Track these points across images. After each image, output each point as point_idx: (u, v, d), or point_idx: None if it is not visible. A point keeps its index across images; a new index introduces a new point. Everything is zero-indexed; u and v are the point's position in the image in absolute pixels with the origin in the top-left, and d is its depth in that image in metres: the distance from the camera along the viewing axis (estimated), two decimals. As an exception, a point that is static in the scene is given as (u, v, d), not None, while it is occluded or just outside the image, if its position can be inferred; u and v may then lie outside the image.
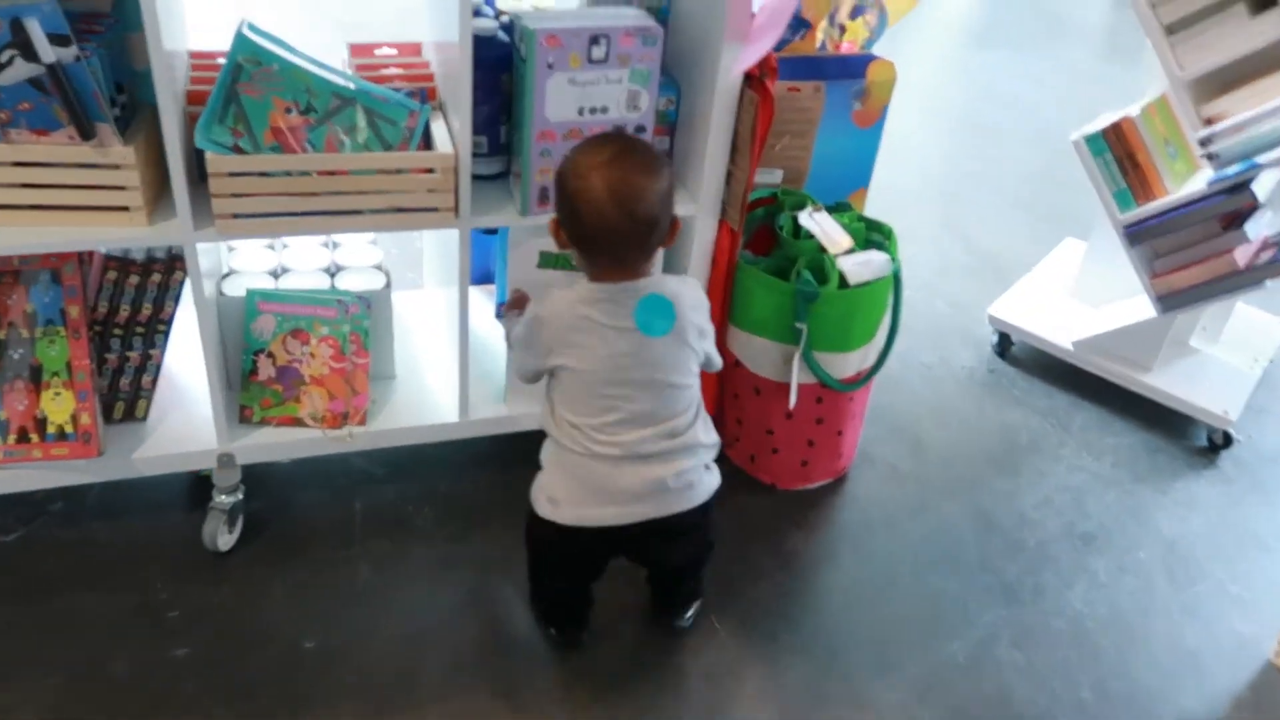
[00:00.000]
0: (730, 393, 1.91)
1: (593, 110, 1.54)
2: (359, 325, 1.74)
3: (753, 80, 1.57)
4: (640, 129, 1.59)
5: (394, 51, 1.74)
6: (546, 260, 1.67)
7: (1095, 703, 1.59)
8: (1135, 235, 2.09)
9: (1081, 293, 2.45)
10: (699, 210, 1.69)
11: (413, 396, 1.83)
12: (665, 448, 1.37)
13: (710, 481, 1.44)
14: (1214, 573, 1.87)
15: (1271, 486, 2.10)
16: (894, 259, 1.82)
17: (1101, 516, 1.98)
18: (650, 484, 1.36)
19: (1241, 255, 2.00)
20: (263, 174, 1.43)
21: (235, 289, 1.72)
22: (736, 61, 1.54)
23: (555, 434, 1.41)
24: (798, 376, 1.79)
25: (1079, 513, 1.99)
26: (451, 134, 1.56)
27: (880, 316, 1.82)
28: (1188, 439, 2.22)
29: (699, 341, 1.40)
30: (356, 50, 1.72)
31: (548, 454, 1.45)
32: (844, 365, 1.83)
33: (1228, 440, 2.18)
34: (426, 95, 1.61)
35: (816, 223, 1.83)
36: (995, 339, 2.44)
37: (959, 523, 1.93)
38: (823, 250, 1.82)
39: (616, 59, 1.50)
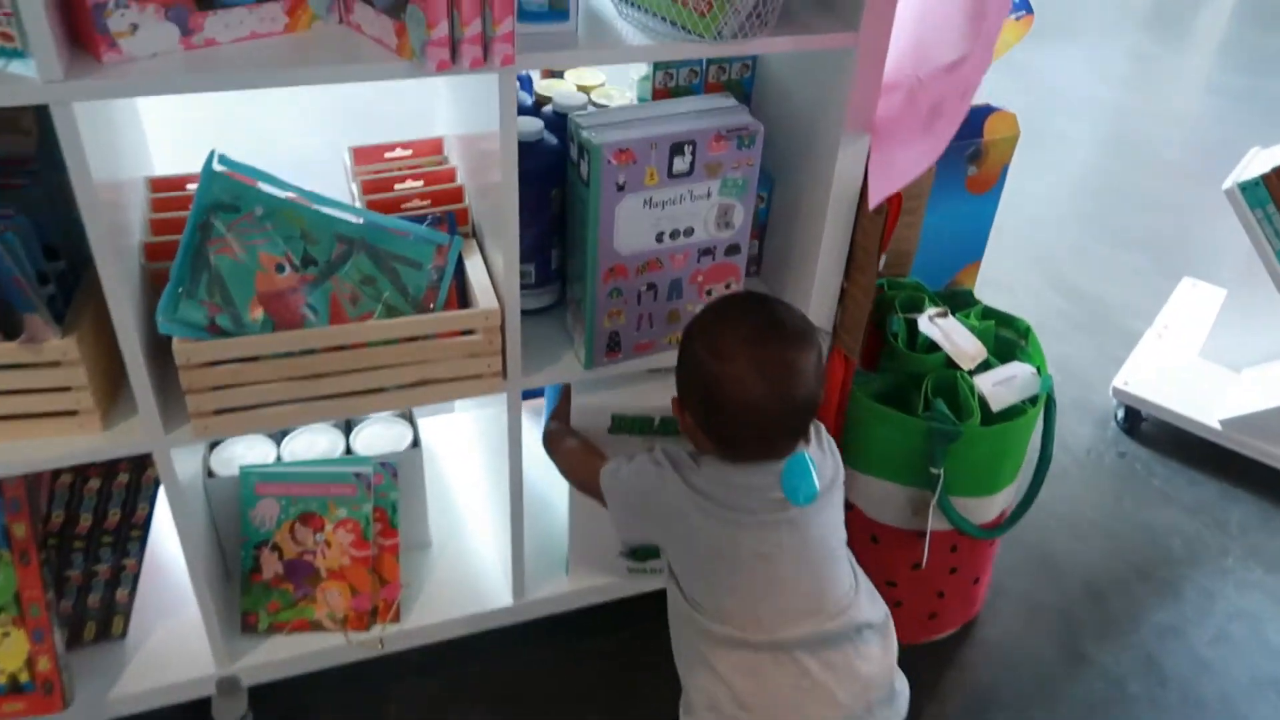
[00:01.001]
0: (839, 536, 1.56)
1: (674, 234, 1.18)
2: (385, 499, 1.39)
3: (877, 178, 1.21)
4: (734, 250, 1.24)
5: (409, 153, 1.38)
6: (622, 424, 1.31)
7: None
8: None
9: (1217, 353, 2.09)
10: (805, 336, 1.34)
11: (454, 573, 1.48)
12: (838, 629, 1.07)
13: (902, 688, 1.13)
14: None
15: None
16: (1041, 370, 1.46)
17: (1293, 653, 1.63)
18: (864, 686, 1.06)
19: None
20: (251, 359, 1.08)
21: (226, 466, 1.37)
22: (883, 176, 1.16)
23: (697, 621, 1.08)
24: (931, 526, 1.44)
25: (1264, 650, 1.64)
26: (492, 272, 1.20)
27: (1028, 444, 1.47)
28: (1369, 533, 1.87)
29: (839, 479, 1.14)
30: (362, 155, 1.36)
31: (690, 644, 1.11)
32: (987, 509, 1.48)
33: None
34: (455, 220, 1.25)
35: (940, 329, 1.47)
36: (1121, 413, 2.08)
37: (1123, 675, 1.58)
38: (950, 365, 1.46)
39: (704, 169, 1.15)
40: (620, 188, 1.11)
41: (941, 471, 1.38)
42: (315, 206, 1.14)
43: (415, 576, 1.46)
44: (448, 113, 1.36)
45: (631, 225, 1.15)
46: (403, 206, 1.27)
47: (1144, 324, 2.26)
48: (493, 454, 1.42)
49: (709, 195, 1.17)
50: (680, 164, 1.13)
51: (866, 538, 1.52)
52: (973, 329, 1.50)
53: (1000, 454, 1.42)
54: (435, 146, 1.39)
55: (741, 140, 1.14)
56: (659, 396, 1.29)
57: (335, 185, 1.32)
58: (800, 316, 1.04)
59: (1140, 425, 2.07)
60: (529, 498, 1.34)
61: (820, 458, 1.10)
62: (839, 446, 1.46)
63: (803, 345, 1.01)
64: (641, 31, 1.06)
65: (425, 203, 1.27)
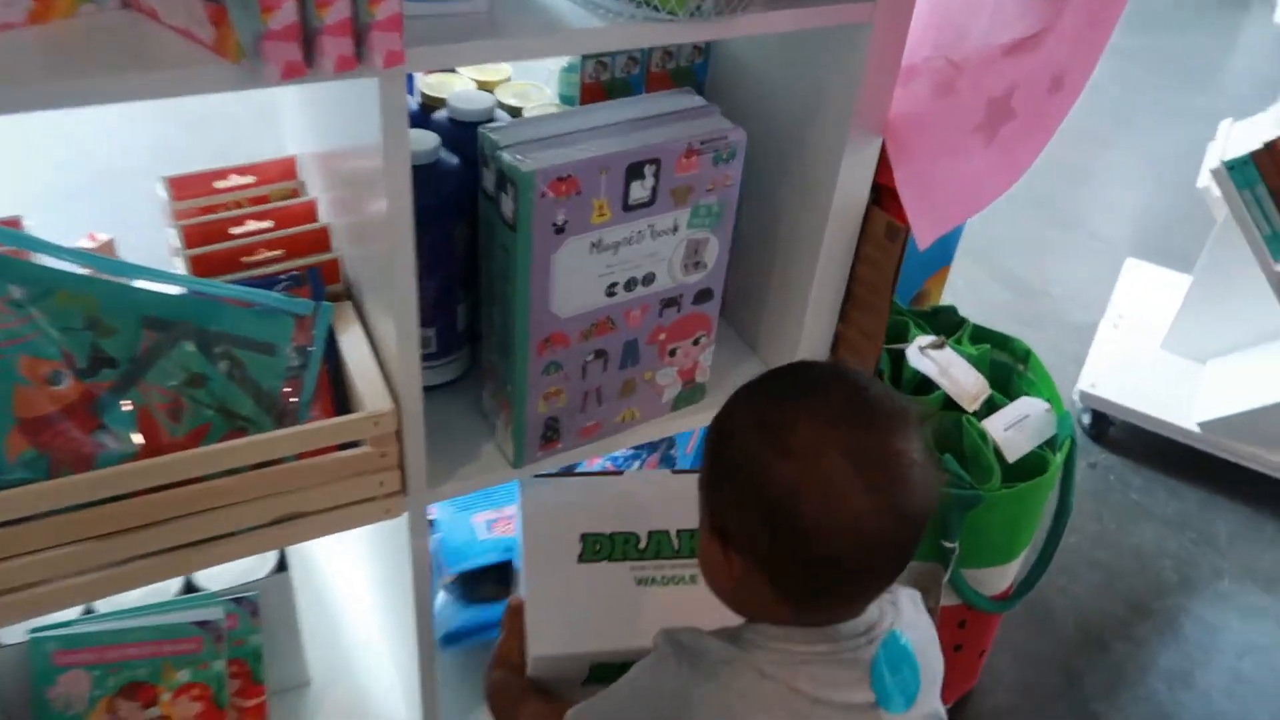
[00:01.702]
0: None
1: (630, 285, 0.87)
2: (243, 648, 1.03)
3: (886, 193, 0.93)
4: (705, 296, 0.93)
5: (248, 181, 1.01)
6: (592, 550, 0.95)
7: None
8: (1300, 293, 1.56)
9: (1179, 344, 1.92)
10: (789, 394, 1.04)
11: (340, 713, 1.14)
12: None
13: None
14: None
15: None
16: (1056, 405, 1.22)
17: (1312, 690, 1.46)
18: None
19: None
20: (17, 521, 0.71)
21: (11, 630, 0.98)
22: (920, 199, 0.85)
23: None
24: (941, 602, 1.18)
25: (1282, 688, 1.47)
26: (379, 348, 0.86)
27: (1047, 500, 1.23)
28: (1355, 535, 1.74)
29: (939, 660, 0.77)
30: (182, 188, 0.98)
31: None
32: (1001, 579, 1.23)
33: None
34: (320, 277, 0.90)
35: (935, 363, 1.21)
36: (1088, 419, 1.88)
37: (1142, 738, 1.38)
38: (948, 406, 1.20)
39: (669, 196, 0.83)
40: (559, 229, 0.79)
41: (956, 545, 1.12)
42: (109, 277, 0.77)
43: (293, 727, 1.12)
44: (302, 121, 1.00)
45: (574, 278, 0.83)
46: (243, 261, 0.90)
47: (1094, 314, 2.08)
48: (389, 570, 1.07)
49: (675, 230, 0.86)
50: (639, 191, 0.81)
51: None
52: (967, 357, 1.24)
53: (1020, 516, 1.17)
54: (285, 170, 1.02)
55: (719, 155, 0.83)
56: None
57: (143, 238, 0.95)
58: (888, 387, 0.74)
59: (1108, 430, 1.88)
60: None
61: (913, 617, 0.75)
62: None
63: (910, 428, 0.67)
64: (586, 9, 0.73)
65: (276, 254, 0.91)
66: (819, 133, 0.90)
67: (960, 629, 1.25)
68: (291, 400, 0.84)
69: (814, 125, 0.90)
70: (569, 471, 1.03)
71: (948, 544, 1.12)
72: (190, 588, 1.05)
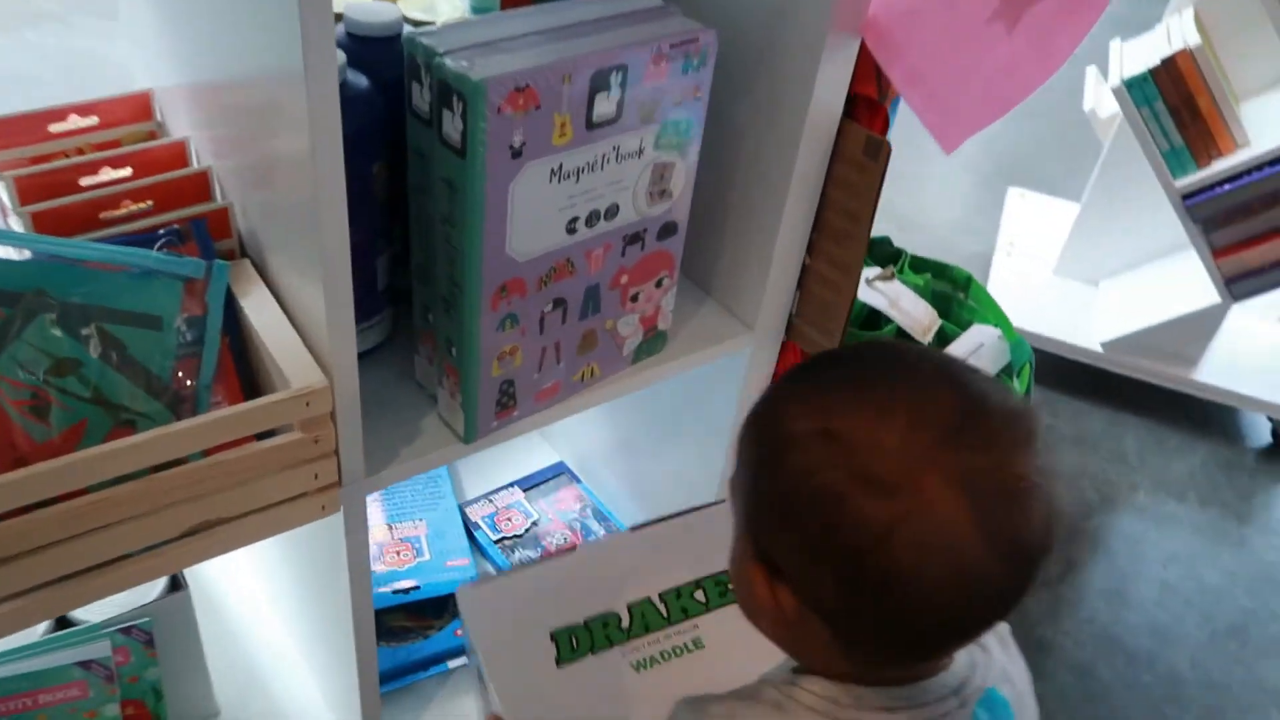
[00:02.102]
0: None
1: (592, 219, 0.74)
2: (139, 685, 0.86)
3: (860, 105, 0.83)
4: (669, 231, 0.81)
5: (91, 123, 0.81)
6: (569, 649, 0.78)
7: None
8: (1198, 207, 1.57)
9: (1072, 268, 1.94)
10: (754, 335, 0.94)
11: (268, 750, 0.98)
12: None
13: None
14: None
15: (1371, 490, 1.72)
16: (1006, 331, 1.17)
17: (1234, 593, 1.50)
18: None
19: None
20: None
21: None
22: (932, 95, 0.75)
23: None
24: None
25: (1206, 595, 1.49)
26: (293, 314, 0.70)
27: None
28: (1247, 439, 1.80)
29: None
30: (9, 132, 0.78)
31: None
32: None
33: (1301, 436, 1.77)
34: (206, 232, 0.73)
35: (884, 295, 1.14)
36: (993, 348, 1.88)
37: (1089, 661, 1.37)
38: (901, 338, 1.13)
39: (636, 111, 0.71)
40: (517, 153, 0.65)
41: (927, 485, 1.06)
42: (-72, 240, 0.59)
43: (208, 773, 0.95)
44: (160, 49, 0.81)
45: (532, 213, 0.69)
46: (104, 218, 0.72)
47: (984, 244, 2.08)
48: (315, 576, 0.92)
49: (641, 152, 0.73)
50: (604, 106, 0.68)
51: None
52: (912, 287, 1.18)
53: (988, 449, 1.11)
54: (138, 108, 0.84)
55: (689, 61, 0.71)
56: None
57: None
58: (996, 381, 0.54)
59: (1013, 357, 1.88)
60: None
61: (1003, 662, 0.60)
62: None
63: (1033, 441, 0.50)
64: None
65: (144, 206, 0.73)
66: (790, 36, 0.79)
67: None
68: (188, 384, 0.68)
69: (784, 27, 0.79)
70: (506, 571, 0.87)
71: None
72: (65, 621, 0.86)
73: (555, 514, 1.25)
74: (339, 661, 0.91)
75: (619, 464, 1.24)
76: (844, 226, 0.87)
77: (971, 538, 0.47)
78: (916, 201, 2.32)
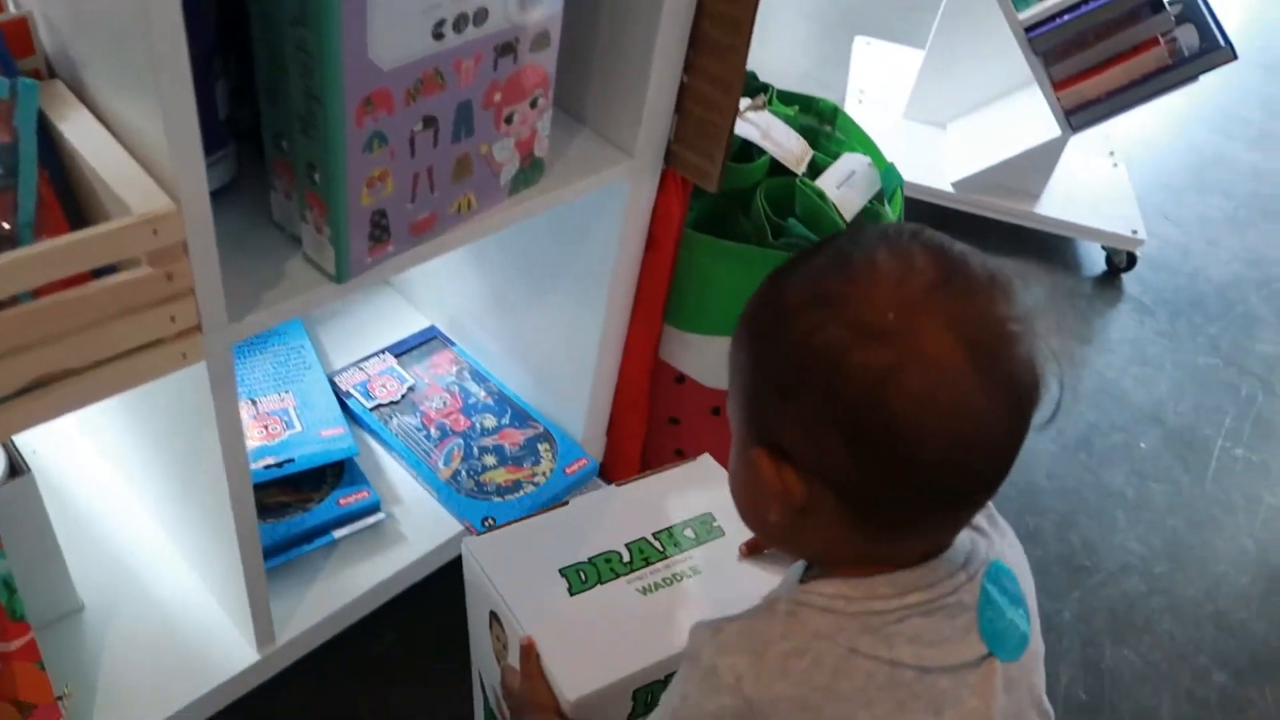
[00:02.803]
0: (664, 418, 1.20)
1: (459, 24, 0.67)
2: (-9, 581, 0.78)
3: (734, -99, 0.78)
4: (543, 43, 0.75)
5: None
6: (578, 581, 0.80)
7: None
8: (1040, 40, 1.61)
9: (920, 112, 1.97)
10: (633, 163, 0.90)
11: (146, 640, 0.91)
12: None
13: None
14: (1216, 441, 1.58)
15: (1191, 310, 1.85)
16: (876, 158, 1.17)
17: (1080, 409, 1.60)
18: None
19: (1167, 47, 1.60)
20: None
21: None
22: None
23: None
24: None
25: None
26: (119, 135, 0.61)
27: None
28: (1085, 268, 1.90)
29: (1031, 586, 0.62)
30: None
31: None
32: (844, 341, 1.19)
33: (1131, 262, 1.88)
34: (5, 48, 0.62)
35: (756, 127, 1.11)
36: (850, 195, 1.90)
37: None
38: (775, 170, 1.12)
39: (502, -108, 0.64)
40: (374, -64, 0.58)
41: (809, 312, 1.06)
42: None
43: (80, 669, 0.88)
44: None
45: (394, 12, 0.62)
46: None
47: (835, 95, 2.08)
48: (179, 440, 0.85)
49: (508, -56, 0.67)
50: (467, -117, 0.61)
51: (705, 411, 1.18)
52: (782, 118, 1.16)
53: (864, 274, 1.12)
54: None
55: None
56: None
57: None
58: (969, 247, 0.53)
59: (870, 203, 1.91)
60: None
61: (1007, 550, 0.59)
62: (663, 306, 1.09)
63: (1011, 293, 0.51)
64: None
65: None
66: None
67: (804, 404, 1.21)
68: (4, 226, 0.59)
69: None
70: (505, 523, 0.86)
71: (801, 313, 1.05)
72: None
73: (431, 378, 1.20)
74: (217, 540, 0.85)
75: (492, 323, 1.19)
76: (723, 39, 0.84)
77: (969, 380, 0.48)
78: (764, 55, 2.30)
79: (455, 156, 0.74)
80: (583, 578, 0.80)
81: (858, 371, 0.48)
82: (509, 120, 0.77)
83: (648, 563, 0.82)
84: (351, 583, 0.99)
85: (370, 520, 1.02)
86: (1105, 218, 1.84)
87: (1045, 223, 1.84)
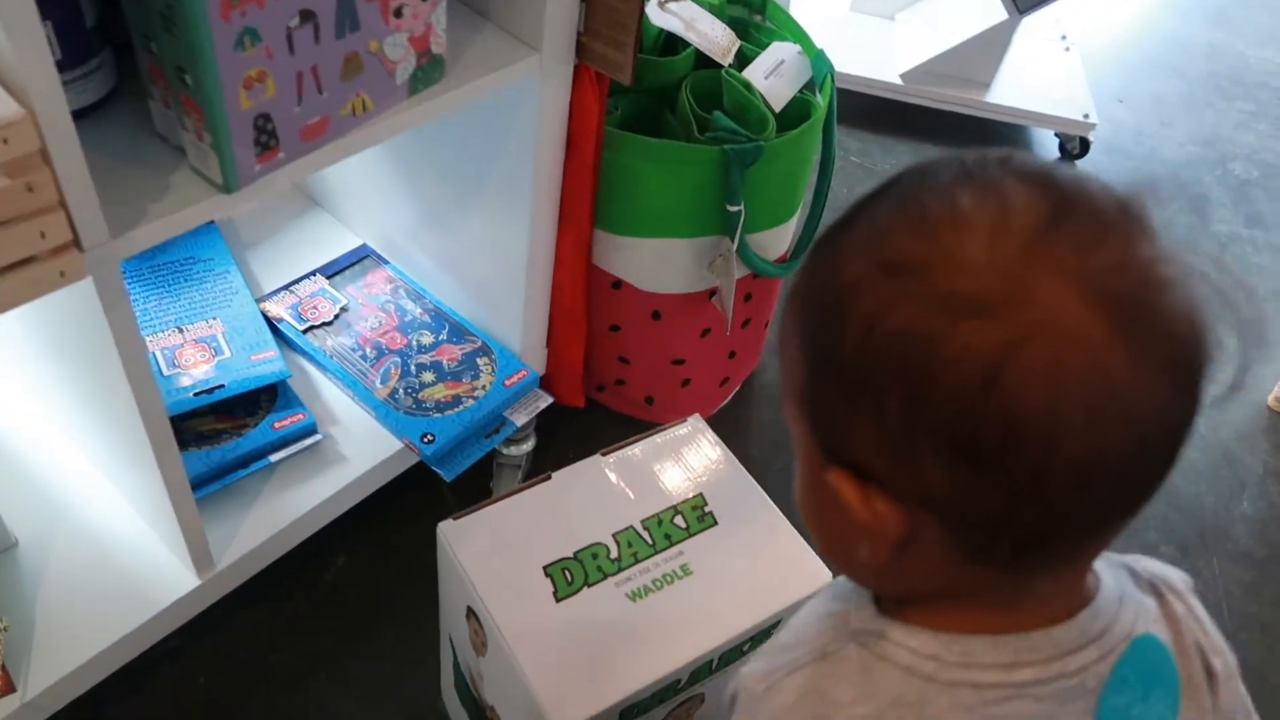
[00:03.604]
0: (604, 326, 1.19)
1: (328, -96, 0.64)
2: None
3: None
4: (426, -76, 0.71)
5: None
6: (564, 583, 0.76)
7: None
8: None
9: (867, 4, 1.92)
10: (541, 58, 0.87)
11: (81, 572, 0.91)
12: None
13: None
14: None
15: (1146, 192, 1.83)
16: (806, 47, 1.13)
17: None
18: None
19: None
20: None
21: None
22: None
23: None
24: (734, 278, 1.11)
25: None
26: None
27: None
28: (1038, 154, 1.88)
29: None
30: None
31: None
32: (781, 240, 1.17)
33: (1085, 147, 1.85)
34: None
35: (678, 18, 1.07)
36: (798, 93, 1.86)
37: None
38: (702, 63, 1.09)
39: None
40: None
41: (742, 207, 1.04)
42: None
43: (17, 603, 0.88)
44: None
45: (248, -106, 0.58)
46: None
47: (782, -13, 2.02)
48: (80, 369, 0.83)
49: None
50: None
51: (645, 316, 1.17)
52: (708, 9, 1.12)
53: (797, 165, 1.10)
54: None
55: None
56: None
57: None
58: (1067, 166, 0.40)
59: (819, 100, 1.87)
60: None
61: (1200, 636, 0.47)
62: (591, 210, 1.07)
63: (1149, 228, 0.38)
64: None
65: None
66: None
67: (747, 303, 1.20)
68: None
69: None
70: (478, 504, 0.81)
71: (733, 208, 1.03)
72: None
73: (366, 298, 1.18)
74: (141, 468, 0.84)
75: (425, 239, 1.16)
76: (622, -85, 0.80)
77: (1113, 350, 0.35)
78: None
79: (342, 54, 0.71)
80: (569, 578, 0.75)
81: (954, 361, 0.35)
82: (398, 14, 0.73)
83: (636, 559, 0.77)
84: (292, 504, 0.98)
85: (307, 442, 1.01)
86: (1057, 103, 1.81)
87: (997, 111, 1.81)
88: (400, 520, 1.13)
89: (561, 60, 0.89)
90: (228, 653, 1.03)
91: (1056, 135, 1.87)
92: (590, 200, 1.03)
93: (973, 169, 0.39)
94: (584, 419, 1.25)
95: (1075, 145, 1.84)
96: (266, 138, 0.69)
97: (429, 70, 0.80)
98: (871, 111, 1.85)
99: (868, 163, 1.79)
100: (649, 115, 1.10)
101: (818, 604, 0.49)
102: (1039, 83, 1.84)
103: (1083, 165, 1.86)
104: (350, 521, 1.05)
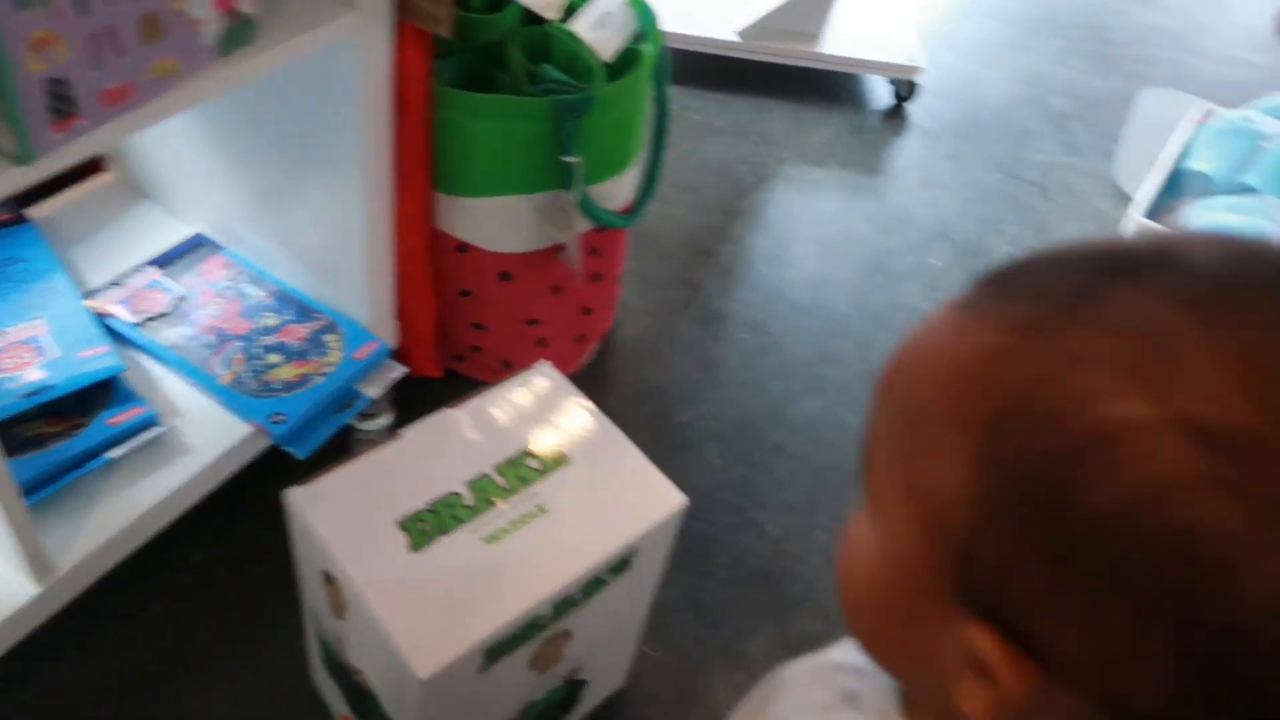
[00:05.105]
0: (455, 292, 1.18)
1: None
2: None
3: None
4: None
5: None
6: (420, 535, 0.75)
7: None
8: None
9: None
10: (357, 15, 0.85)
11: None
12: None
13: None
14: (1000, 248, 1.67)
15: (974, 131, 1.93)
16: (631, -1, 1.14)
17: (874, 236, 1.65)
18: None
19: None
20: None
21: None
22: None
23: None
24: (578, 231, 1.12)
25: (853, 242, 1.64)
26: None
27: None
28: (871, 103, 1.95)
29: None
30: None
31: None
32: (619, 190, 1.18)
33: (914, 90, 1.93)
34: None
35: (501, -27, 1.07)
36: (637, 55, 1.87)
37: (762, 319, 1.48)
38: (529, 19, 1.08)
39: None
40: None
41: (578, 158, 1.04)
42: None
43: None
44: None
45: None
46: None
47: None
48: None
49: None
50: None
51: (493, 278, 1.16)
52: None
53: (630, 113, 1.11)
54: None
55: None
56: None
57: None
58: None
59: (658, 61, 1.89)
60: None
61: None
62: (428, 173, 1.05)
63: None
64: None
65: None
66: None
67: (595, 256, 1.21)
68: None
69: None
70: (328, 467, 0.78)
71: (569, 159, 1.04)
72: None
73: (204, 286, 1.13)
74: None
75: (260, 220, 1.13)
76: None
77: None
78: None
79: (138, 14, 0.68)
80: (424, 529, 0.75)
81: (1266, 594, 0.26)
82: (196, -31, 0.71)
83: (492, 504, 0.77)
84: (136, 500, 0.94)
85: (147, 436, 0.97)
86: (885, 50, 1.88)
87: (829, 61, 1.86)
88: (260, 510, 1.09)
89: (380, 16, 0.87)
90: (89, 662, 0.98)
91: (890, 82, 1.94)
92: (426, 163, 1.02)
93: (1167, 267, 0.29)
94: (443, 389, 1.23)
95: (905, 90, 1.92)
96: (62, 103, 0.66)
97: (239, 31, 0.77)
98: (709, 70, 1.88)
99: (707, 120, 1.83)
100: (480, 75, 1.09)
101: (815, 691, 0.43)
102: (868, 31, 1.91)
103: (914, 110, 1.94)
104: (206, 516, 1.01)
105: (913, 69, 1.87)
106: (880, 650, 0.38)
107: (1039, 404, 0.29)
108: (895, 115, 1.93)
